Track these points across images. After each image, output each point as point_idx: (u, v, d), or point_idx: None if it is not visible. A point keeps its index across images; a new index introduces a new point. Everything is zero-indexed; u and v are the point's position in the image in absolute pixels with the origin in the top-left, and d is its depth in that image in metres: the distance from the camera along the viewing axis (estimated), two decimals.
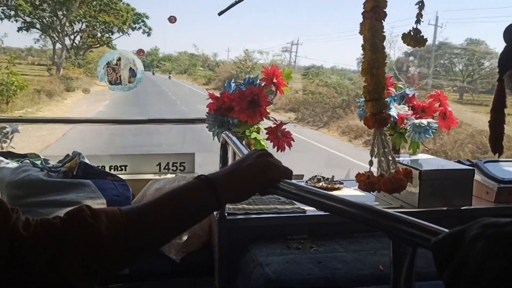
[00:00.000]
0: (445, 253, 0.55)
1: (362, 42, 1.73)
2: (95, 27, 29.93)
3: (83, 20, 29.35)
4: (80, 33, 30.47)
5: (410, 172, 1.76)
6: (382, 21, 1.78)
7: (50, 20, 28.19)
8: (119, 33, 31.17)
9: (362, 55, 1.73)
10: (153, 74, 46.45)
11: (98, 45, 31.24)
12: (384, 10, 1.69)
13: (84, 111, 17.91)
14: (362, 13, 1.67)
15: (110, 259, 0.75)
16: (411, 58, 29.39)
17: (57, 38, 29.18)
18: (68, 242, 0.72)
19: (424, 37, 2.06)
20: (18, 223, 0.71)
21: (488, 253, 0.49)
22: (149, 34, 31.93)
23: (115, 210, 0.78)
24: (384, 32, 1.83)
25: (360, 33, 1.79)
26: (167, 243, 1.72)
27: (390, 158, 1.68)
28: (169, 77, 42.47)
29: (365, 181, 1.69)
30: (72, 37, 30.19)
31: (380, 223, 0.65)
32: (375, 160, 1.71)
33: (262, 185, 0.89)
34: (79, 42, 30.93)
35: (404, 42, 2.07)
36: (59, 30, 28.51)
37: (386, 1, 1.66)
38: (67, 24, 28.48)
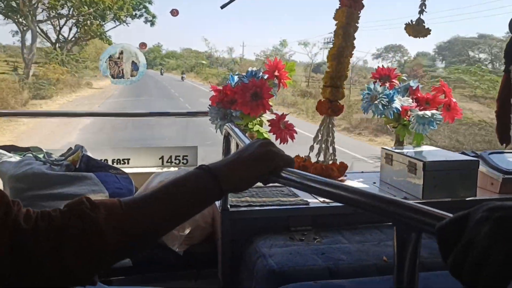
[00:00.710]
0: (449, 238, 0.53)
1: (335, 30, 1.74)
2: (83, 13, 23.90)
3: (67, 3, 23.49)
4: (65, 21, 24.24)
5: (346, 167, 1.77)
6: (359, 11, 1.78)
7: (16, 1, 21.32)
8: (114, 21, 25.86)
9: (332, 40, 1.74)
10: (162, 74, 42.07)
11: (89, 36, 25.77)
12: (362, 1, 1.70)
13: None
14: (340, 0, 1.67)
15: (110, 250, 0.75)
16: None
17: (26, 25, 22.36)
18: (68, 234, 0.71)
19: (429, 28, 2.04)
20: (19, 215, 0.71)
21: (494, 237, 0.48)
22: (152, 24, 26.64)
23: (114, 201, 0.78)
24: (358, 22, 1.83)
25: (335, 18, 1.79)
26: (170, 234, 1.74)
27: (331, 149, 1.68)
28: (182, 78, 37.40)
29: (300, 164, 1.70)
30: (57, 27, 24.42)
31: (383, 209, 0.64)
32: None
33: (264, 174, 0.89)
34: (71, 34, 25.61)
35: (407, 33, 2.06)
36: (27, 14, 21.80)
37: None
38: (44, 7, 22.47)
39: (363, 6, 1.83)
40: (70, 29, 25.53)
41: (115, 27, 27.07)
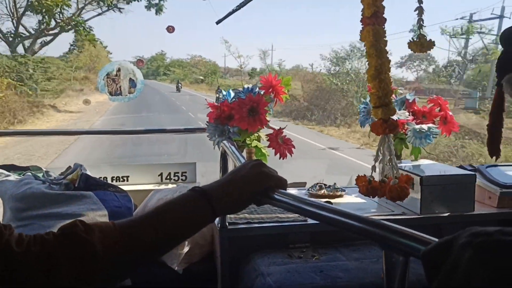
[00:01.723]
0: (434, 263, 0.54)
1: (366, 49, 1.73)
2: None
3: None
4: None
5: (411, 179, 1.75)
6: (383, 26, 1.78)
7: None
8: (100, 7, 19.95)
9: (367, 61, 1.73)
10: (179, 90, 33.61)
11: (59, 28, 19.36)
12: (383, 15, 1.70)
13: None
14: (361, 20, 1.67)
15: (105, 273, 0.75)
16: None
17: None
18: (62, 257, 0.72)
19: (432, 40, 2.05)
20: (11, 239, 0.71)
21: (475, 262, 0.49)
22: (159, 10, 19.48)
23: (108, 224, 0.79)
24: (385, 36, 1.83)
25: (362, 39, 1.79)
26: (168, 254, 1.74)
27: (394, 164, 1.67)
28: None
29: (367, 186, 1.68)
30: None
31: (371, 232, 0.65)
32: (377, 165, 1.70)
33: (256, 195, 0.89)
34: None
35: (412, 50, 2.07)
36: None
37: (384, 6, 1.66)
38: None
39: (385, 20, 1.83)
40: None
41: (100, 14, 20.89)
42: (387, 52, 1.83)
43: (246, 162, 0.95)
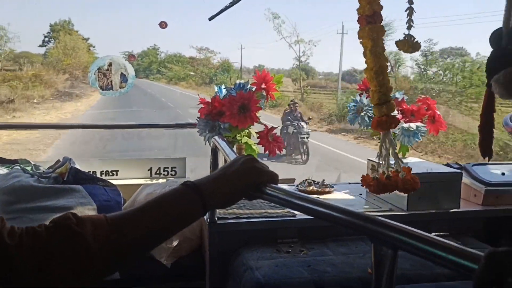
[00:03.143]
0: (498, 274, 0.48)
1: (363, 49, 1.74)
2: None
3: None
4: None
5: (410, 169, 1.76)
6: (380, 23, 1.78)
7: None
8: None
9: (365, 62, 1.74)
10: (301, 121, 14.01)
11: None
12: (380, 13, 1.70)
13: None
14: (358, 20, 1.68)
15: (97, 266, 0.75)
16: None
17: None
18: (54, 250, 0.72)
19: (419, 42, 2.08)
20: (3, 232, 0.71)
21: None
22: None
23: (100, 217, 0.79)
24: (384, 34, 1.84)
25: (360, 38, 1.80)
26: (157, 248, 1.74)
27: (398, 158, 1.69)
28: None
29: (376, 184, 1.69)
30: None
31: (361, 226, 0.67)
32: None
33: (248, 190, 0.90)
34: None
35: (399, 49, 2.09)
36: None
37: (381, 5, 1.67)
38: None
39: (382, 18, 1.84)
40: None
41: None
42: (385, 50, 1.85)
43: (238, 157, 0.96)
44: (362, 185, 1.65)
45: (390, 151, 1.65)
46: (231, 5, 1.88)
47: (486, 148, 1.58)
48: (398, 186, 1.59)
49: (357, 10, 1.67)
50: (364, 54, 1.71)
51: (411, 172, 1.74)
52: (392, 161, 1.64)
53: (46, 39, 27.34)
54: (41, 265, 0.71)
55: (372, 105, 1.72)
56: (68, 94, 22.20)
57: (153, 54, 38.72)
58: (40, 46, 27.73)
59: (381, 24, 1.71)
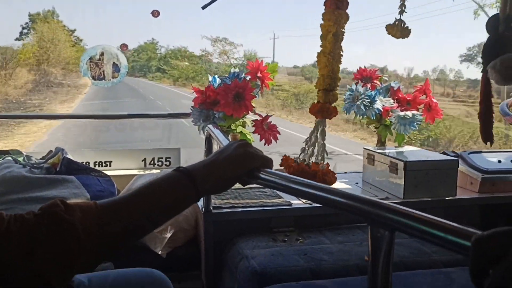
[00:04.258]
0: (491, 255, 0.47)
1: (321, 32, 1.72)
2: None
3: None
4: None
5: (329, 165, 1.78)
6: (346, 11, 1.77)
7: None
8: None
9: (320, 45, 1.73)
10: None
11: None
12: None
13: None
14: (324, 3, 1.66)
15: (86, 253, 0.74)
16: None
17: None
18: (42, 237, 0.70)
19: (409, 28, 2.06)
20: None
21: None
22: None
23: (90, 204, 0.77)
24: (346, 23, 1.82)
25: (325, 20, 1.78)
26: (152, 238, 1.73)
27: (324, 149, 1.69)
28: None
29: (295, 167, 1.68)
30: None
31: (358, 208, 0.65)
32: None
33: (241, 175, 0.89)
34: None
35: (388, 33, 2.08)
36: None
37: None
38: None
39: (348, 4, 1.82)
40: None
41: None
42: (343, 38, 1.83)
43: (231, 142, 0.94)
44: (280, 165, 1.63)
45: (320, 142, 1.65)
46: None
47: (487, 134, 1.58)
48: (316, 176, 1.58)
49: None
50: (324, 37, 1.69)
51: (409, 160, 1.74)
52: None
53: (25, 31, 22.83)
54: (29, 251, 0.69)
55: (318, 90, 1.71)
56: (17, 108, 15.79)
57: (151, 49, 32.51)
58: (17, 39, 23.09)
59: (345, 9, 1.70)
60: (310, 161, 1.88)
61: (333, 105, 1.88)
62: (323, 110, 1.66)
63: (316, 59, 1.87)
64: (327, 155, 1.69)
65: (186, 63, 28.66)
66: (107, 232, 0.76)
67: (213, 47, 28.20)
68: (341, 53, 1.75)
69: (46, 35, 20.29)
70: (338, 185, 1.98)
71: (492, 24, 1.55)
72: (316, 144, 1.86)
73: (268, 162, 0.90)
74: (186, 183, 0.84)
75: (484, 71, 1.51)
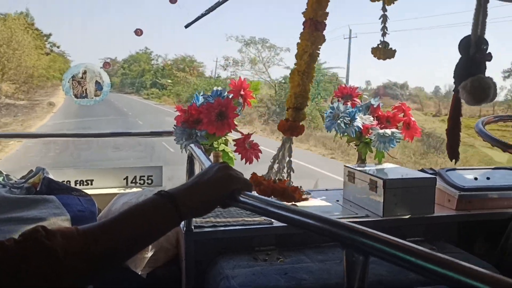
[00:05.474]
0: None
1: (297, 51, 1.76)
2: None
3: None
4: None
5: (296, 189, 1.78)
6: (322, 33, 1.81)
7: None
8: None
9: (295, 63, 1.76)
10: None
11: None
12: (324, 21, 1.73)
13: None
14: (303, 23, 1.70)
15: (68, 279, 0.74)
16: None
17: None
18: (23, 265, 0.70)
19: (394, 49, 2.11)
20: None
21: None
22: None
23: (71, 229, 0.78)
24: (322, 44, 1.86)
25: (303, 40, 1.82)
26: (132, 258, 1.72)
27: (290, 167, 1.71)
28: None
29: (266, 185, 1.70)
30: None
31: (333, 232, 0.67)
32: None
33: (222, 198, 0.90)
34: None
35: (374, 56, 2.12)
36: None
37: (327, 12, 1.69)
38: None
39: (325, 25, 1.86)
40: None
41: None
42: (317, 60, 1.87)
43: (212, 165, 0.95)
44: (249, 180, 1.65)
45: (286, 157, 1.67)
46: (207, 12, 1.88)
47: (453, 151, 1.62)
48: (284, 193, 1.60)
49: (303, 13, 1.69)
50: (300, 56, 1.73)
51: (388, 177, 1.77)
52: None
53: None
54: (10, 279, 0.69)
55: (288, 107, 1.74)
56: None
57: (145, 60, 26.35)
58: None
59: (322, 31, 1.74)
60: (277, 178, 1.89)
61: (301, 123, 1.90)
62: (292, 128, 1.69)
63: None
64: (293, 171, 1.71)
65: (199, 81, 20.48)
66: (89, 258, 0.77)
67: (241, 53, 20.62)
68: (314, 74, 1.79)
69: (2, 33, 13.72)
70: (318, 202, 2.00)
71: (464, 46, 1.59)
72: (283, 161, 1.87)
73: (248, 185, 0.92)
74: (168, 207, 0.85)
75: (456, 91, 1.55)
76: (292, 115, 1.69)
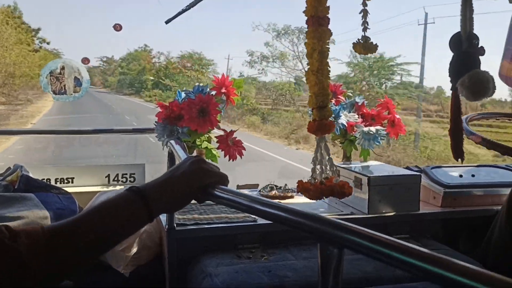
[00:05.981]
0: None
1: (306, 51, 1.73)
2: None
3: None
4: None
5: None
6: (328, 27, 1.79)
7: None
8: None
9: (307, 63, 1.74)
10: None
11: None
12: (327, 15, 1.71)
13: None
14: (306, 21, 1.68)
15: (33, 279, 0.71)
16: None
17: None
18: None
19: (374, 43, 2.09)
20: None
21: None
22: None
23: (36, 228, 0.75)
24: (330, 38, 1.85)
25: (309, 39, 1.80)
26: (115, 255, 1.68)
27: (333, 163, 1.69)
28: None
29: (314, 189, 1.68)
30: None
31: (306, 225, 0.65)
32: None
33: (196, 192, 0.87)
34: None
35: (355, 51, 2.11)
36: None
37: (328, 6, 1.67)
38: None
39: (329, 20, 1.84)
40: None
41: None
42: (329, 55, 1.85)
43: (186, 158, 0.93)
44: (297, 191, 1.63)
45: (326, 156, 1.65)
46: (188, 8, 1.85)
47: (458, 151, 1.61)
48: (334, 191, 1.58)
49: (304, 12, 1.67)
50: (310, 55, 1.71)
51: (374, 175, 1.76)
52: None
53: None
54: None
55: (312, 108, 1.72)
56: None
57: (145, 58, 24.24)
58: None
59: (327, 26, 1.71)
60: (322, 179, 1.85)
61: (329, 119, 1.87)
62: (321, 127, 1.67)
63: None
64: (335, 167, 1.69)
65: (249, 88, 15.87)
66: (56, 256, 0.74)
67: (269, 47, 16.08)
68: (329, 68, 1.76)
69: None
70: (303, 200, 1.98)
71: (455, 42, 1.58)
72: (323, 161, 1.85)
73: (223, 179, 0.89)
74: (138, 203, 0.83)
75: (453, 89, 1.54)
76: (318, 114, 1.67)
